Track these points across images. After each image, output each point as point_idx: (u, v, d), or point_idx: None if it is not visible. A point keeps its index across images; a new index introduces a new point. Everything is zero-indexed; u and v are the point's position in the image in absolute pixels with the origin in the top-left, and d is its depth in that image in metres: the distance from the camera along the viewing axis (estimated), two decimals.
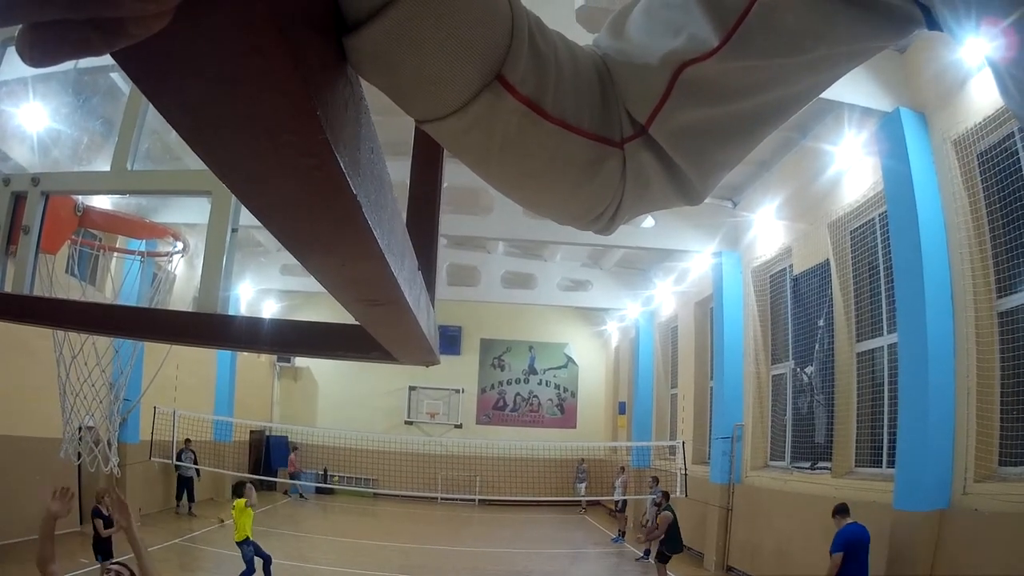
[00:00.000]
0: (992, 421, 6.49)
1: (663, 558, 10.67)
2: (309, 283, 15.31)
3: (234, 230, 1.64)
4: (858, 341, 9.17)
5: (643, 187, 0.70)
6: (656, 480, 13.39)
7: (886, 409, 8.40)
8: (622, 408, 20.79)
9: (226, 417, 18.08)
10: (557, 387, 24.21)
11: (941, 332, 6.93)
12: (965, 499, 6.55)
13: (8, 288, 1.72)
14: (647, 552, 13.01)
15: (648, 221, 12.37)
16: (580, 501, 20.67)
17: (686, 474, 13.50)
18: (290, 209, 0.42)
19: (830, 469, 9.23)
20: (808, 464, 10.09)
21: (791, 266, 11.00)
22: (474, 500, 21.16)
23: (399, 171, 1.17)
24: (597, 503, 20.70)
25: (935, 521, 6.71)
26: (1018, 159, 6.43)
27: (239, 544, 9.13)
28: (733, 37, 0.62)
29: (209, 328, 1.48)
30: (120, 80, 7.66)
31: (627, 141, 0.68)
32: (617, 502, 17.20)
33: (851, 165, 8.90)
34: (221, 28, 0.27)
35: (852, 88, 7.35)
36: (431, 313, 1.02)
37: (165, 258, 6.95)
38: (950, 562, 6.49)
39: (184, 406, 15.57)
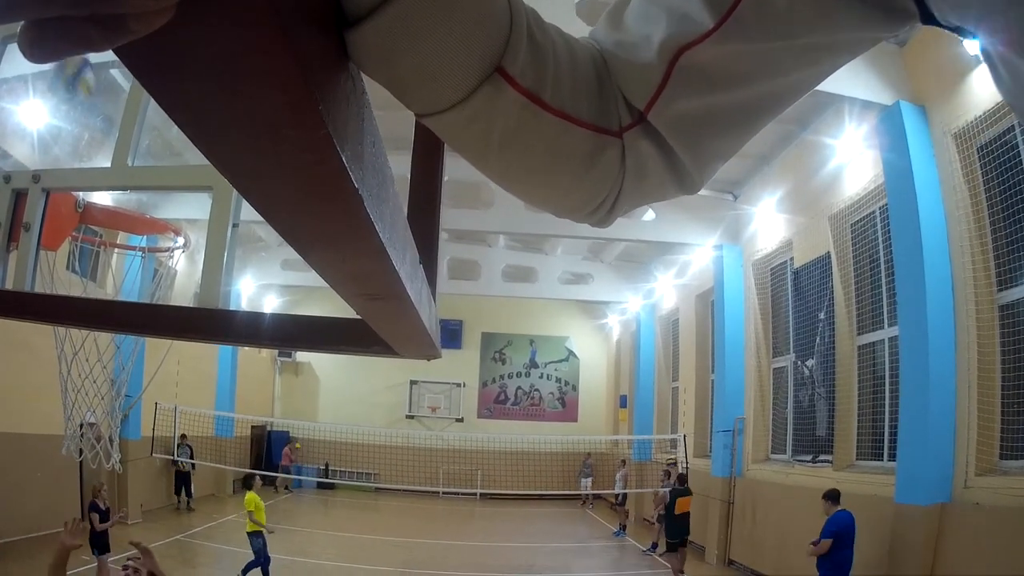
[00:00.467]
0: (993, 414, 6.49)
1: (672, 547, 10.63)
2: (310, 278, 15.31)
3: (235, 225, 1.64)
4: (859, 334, 9.16)
5: (641, 177, 0.71)
6: (668, 473, 12.86)
7: (887, 402, 8.40)
8: (623, 401, 20.79)
9: (227, 413, 18.10)
10: (558, 381, 24.21)
11: (942, 325, 6.93)
12: (966, 493, 6.55)
13: (9, 285, 1.72)
14: (654, 545, 12.95)
15: (649, 214, 12.36)
16: (581, 495, 20.69)
17: (687, 467, 13.49)
18: (292, 204, 0.42)
19: (831, 462, 9.24)
20: (809, 457, 10.10)
21: (792, 259, 10.99)
22: (476, 494, 21.18)
23: (400, 165, 1.16)
24: (598, 497, 20.73)
25: (936, 515, 6.71)
26: (1018, 152, 6.41)
27: (250, 535, 9.13)
28: (728, 20, 0.63)
29: (211, 323, 1.48)
30: (120, 76, 7.65)
31: (626, 130, 0.69)
32: (617, 495, 17.22)
33: (851, 158, 8.89)
34: (222, 24, 0.27)
35: (852, 81, 7.32)
36: (432, 307, 1.02)
37: (166, 254, 6.96)
38: (951, 556, 6.50)
39: (185, 402, 15.57)
